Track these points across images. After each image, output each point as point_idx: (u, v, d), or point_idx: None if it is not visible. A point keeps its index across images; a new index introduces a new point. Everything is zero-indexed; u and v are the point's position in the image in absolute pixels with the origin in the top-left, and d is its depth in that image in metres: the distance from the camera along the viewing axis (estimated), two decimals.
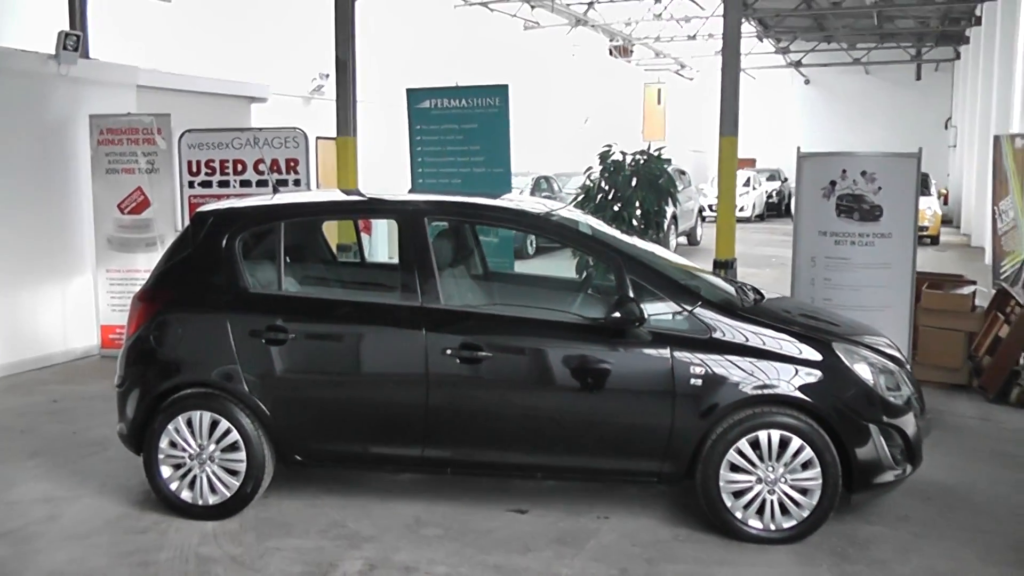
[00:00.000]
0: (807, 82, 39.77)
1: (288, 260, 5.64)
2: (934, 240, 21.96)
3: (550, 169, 22.83)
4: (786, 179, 35.09)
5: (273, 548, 5.04)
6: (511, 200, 6.48)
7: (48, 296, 9.53)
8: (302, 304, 5.61)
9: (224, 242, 5.49)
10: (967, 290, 9.01)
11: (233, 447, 5.35)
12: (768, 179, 33.62)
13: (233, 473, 5.37)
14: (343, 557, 4.94)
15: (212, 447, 5.36)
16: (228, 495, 5.38)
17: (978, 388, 8.40)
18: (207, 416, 5.35)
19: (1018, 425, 7.50)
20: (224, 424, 5.34)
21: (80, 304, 9.83)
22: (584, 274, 8.78)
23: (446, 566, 4.83)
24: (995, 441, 7.10)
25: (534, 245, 18.86)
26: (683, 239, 21.02)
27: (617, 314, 5.03)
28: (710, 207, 27.44)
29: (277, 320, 5.34)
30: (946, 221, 25.87)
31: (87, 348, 9.89)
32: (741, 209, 24.95)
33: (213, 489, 5.38)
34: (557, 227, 5.84)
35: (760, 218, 31.63)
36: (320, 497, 5.73)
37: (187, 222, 9.38)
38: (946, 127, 34.61)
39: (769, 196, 33.28)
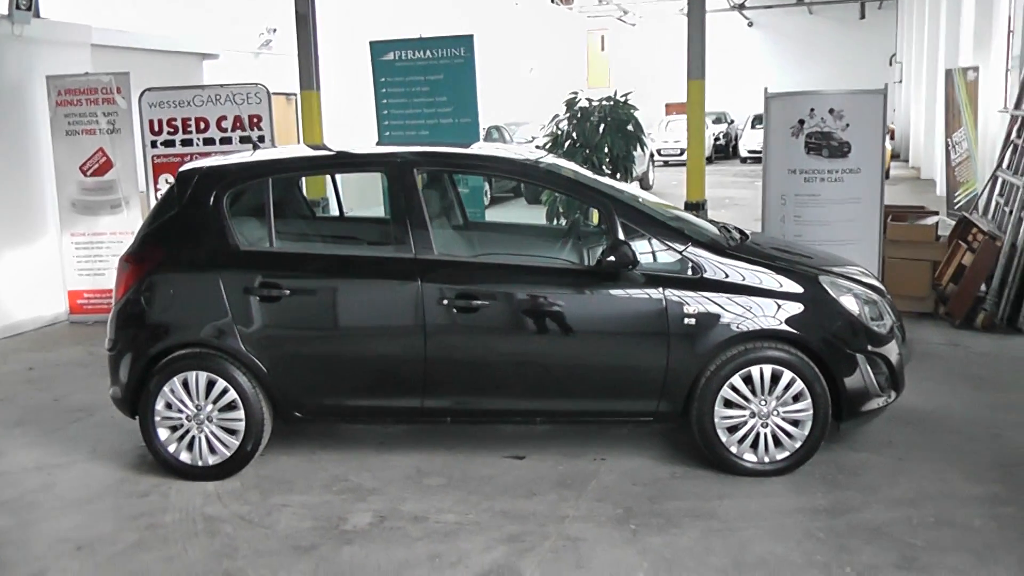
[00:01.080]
0: (750, 25, 39.77)
1: (275, 216, 5.60)
2: (884, 174, 22.24)
3: (498, 119, 22.76)
4: (732, 121, 35.32)
5: (279, 505, 5.07)
6: (492, 148, 6.49)
7: (12, 263, 9.36)
8: (296, 260, 5.58)
9: (212, 200, 5.43)
10: (930, 221, 9.21)
11: (231, 406, 5.34)
12: (714, 122, 33.74)
13: (232, 432, 5.37)
14: (351, 510, 4.98)
15: (209, 407, 5.34)
16: (228, 455, 5.38)
17: (944, 315, 8.61)
18: (203, 376, 5.33)
19: (985, 349, 7.74)
20: (221, 383, 5.32)
21: (45, 270, 9.67)
22: (554, 220, 8.89)
23: (455, 514, 4.90)
24: (965, 365, 7.32)
25: (488, 195, 18.79)
26: (635, 184, 21.11)
27: (611, 258, 5.08)
28: (658, 151, 27.64)
29: (271, 276, 5.33)
30: (894, 156, 26.24)
31: (55, 315, 9.76)
32: None
33: (212, 449, 5.38)
34: (546, 174, 5.86)
35: (708, 160, 31.73)
36: (316, 453, 5.76)
37: (150, 182, 9.36)
38: (891, 64, 34.91)
39: (716, 139, 33.45)
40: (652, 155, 24.47)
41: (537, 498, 5.06)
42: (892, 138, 28.00)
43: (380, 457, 5.68)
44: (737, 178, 24.68)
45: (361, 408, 5.51)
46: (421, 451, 5.74)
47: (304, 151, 6.46)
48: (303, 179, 6.79)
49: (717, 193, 19.84)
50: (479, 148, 6.58)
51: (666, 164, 28.64)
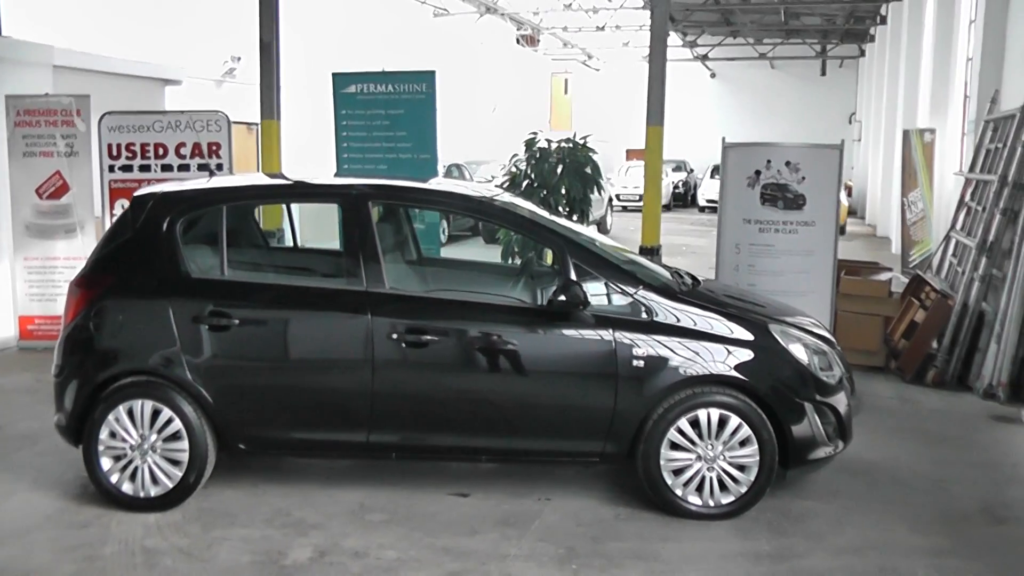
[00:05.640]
0: (713, 76, 40.35)
1: (228, 245, 5.57)
2: (841, 230, 22.47)
3: (459, 157, 22.86)
4: (692, 170, 35.71)
5: (220, 538, 4.99)
6: (448, 184, 6.51)
7: None
8: (246, 289, 5.54)
9: (165, 226, 5.39)
10: (884, 276, 9.34)
11: (175, 436, 5.26)
12: (674, 170, 34.04)
13: (175, 463, 5.28)
14: (291, 545, 4.91)
15: (154, 437, 5.26)
16: (171, 486, 5.29)
17: (895, 370, 8.70)
18: (149, 405, 5.25)
19: (934, 405, 7.81)
20: (166, 413, 5.25)
21: None
22: (509, 259, 8.90)
23: (396, 550, 4.85)
24: (914, 419, 7.39)
25: (446, 233, 18.78)
26: (592, 228, 21.22)
27: (562, 297, 5.10)
28: (617, 196, 27.89)
29: (221, 306, 5.28)
30: (851, 212, 26.61)
31: (3, 340, 9.58)
32: None
33: (155, 480, 5.28)
34: (501, 211, 5.88)
35: (667, 208, 32.04)
36: (260, 486, 5.68)
37: (107, 207, 9.27)
38: (850, 122, 35.51)
39: (676, 187, 33.72)
40: (611, 199, 24.65)
41: (479, 536, 5.03)
42: (849, 195, 28.42)
43: (324, 492, 5.62)
44: (695, 226, 24.91)
45: (306, 441, 5.46)
46: (366, 486, 5.68)
47: (261, 180, 6.45)
48: (258, 209, 6.75)
49: (675, 240, 19.98)
50: (435, 183, 6.60)
51: (624, 209, 28.83)
